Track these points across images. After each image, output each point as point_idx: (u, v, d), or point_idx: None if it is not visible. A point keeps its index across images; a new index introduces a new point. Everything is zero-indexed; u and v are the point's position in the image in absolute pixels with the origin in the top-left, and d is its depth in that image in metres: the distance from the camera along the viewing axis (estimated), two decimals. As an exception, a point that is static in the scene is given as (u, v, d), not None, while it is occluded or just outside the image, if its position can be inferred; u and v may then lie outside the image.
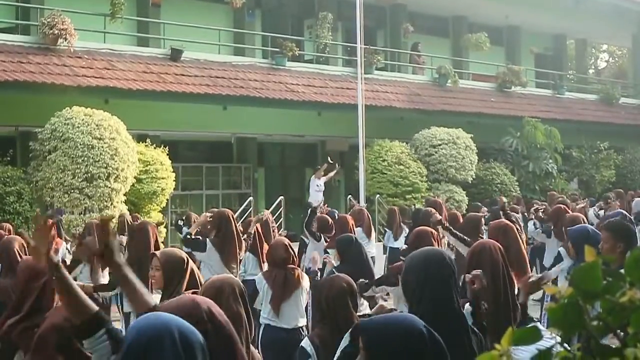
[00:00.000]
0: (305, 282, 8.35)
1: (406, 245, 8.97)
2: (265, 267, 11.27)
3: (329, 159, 22.33)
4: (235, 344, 3.29)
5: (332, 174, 22.09)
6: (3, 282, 6.98)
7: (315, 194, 21.67)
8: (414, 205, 18.64)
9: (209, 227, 10.35)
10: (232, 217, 10.11)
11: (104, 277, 10.64)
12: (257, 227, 11.36)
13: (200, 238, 9.92)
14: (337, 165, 22.18)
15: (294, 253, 8.47)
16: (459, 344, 3.90)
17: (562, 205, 13.03)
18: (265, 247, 11.38)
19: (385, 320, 3.20)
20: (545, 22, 32.67)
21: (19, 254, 6.99)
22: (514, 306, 5.05)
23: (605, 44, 49.21)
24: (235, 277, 8.86)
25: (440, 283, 3.97)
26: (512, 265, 5.71)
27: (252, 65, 22.78)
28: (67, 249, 12.81)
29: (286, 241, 8.61)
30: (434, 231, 7.88)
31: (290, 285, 8.16)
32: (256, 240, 11.18)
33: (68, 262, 11.66)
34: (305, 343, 5.20)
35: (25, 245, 7.21)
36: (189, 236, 9.86)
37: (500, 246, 5.49)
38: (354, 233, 11.56)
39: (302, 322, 8.33)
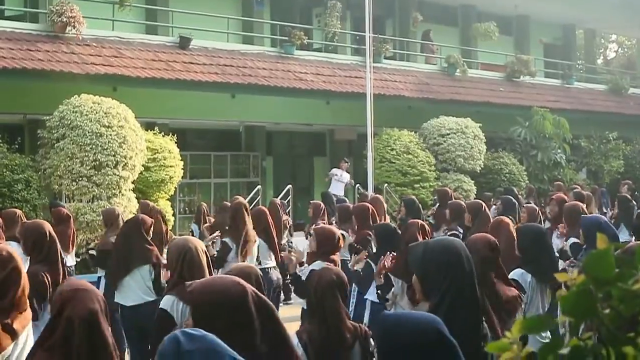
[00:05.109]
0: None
1: None
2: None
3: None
4: None
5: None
6: (35, 269, 6.63)
7: (336, 184, 21.79)
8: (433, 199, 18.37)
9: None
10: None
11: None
12: (267, 214, 11.28)
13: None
14: None
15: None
16: (475, 333, 3.95)
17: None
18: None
19: (401, 316, 3.19)
20: (555, 12, 32.52)
21: (50, 237, 6.78)
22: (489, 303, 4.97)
23: (614, 34, 48.96)
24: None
25: (462, 272, 3.96)
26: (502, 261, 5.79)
27: (260, 54, 22.73)
28: None
29: (337, 231, 8.27)
30: (423, 223, 7.82)
31: None
32: (269, 228, 11.08)
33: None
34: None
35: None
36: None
37: (491, 241, 5.50)
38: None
39: None
